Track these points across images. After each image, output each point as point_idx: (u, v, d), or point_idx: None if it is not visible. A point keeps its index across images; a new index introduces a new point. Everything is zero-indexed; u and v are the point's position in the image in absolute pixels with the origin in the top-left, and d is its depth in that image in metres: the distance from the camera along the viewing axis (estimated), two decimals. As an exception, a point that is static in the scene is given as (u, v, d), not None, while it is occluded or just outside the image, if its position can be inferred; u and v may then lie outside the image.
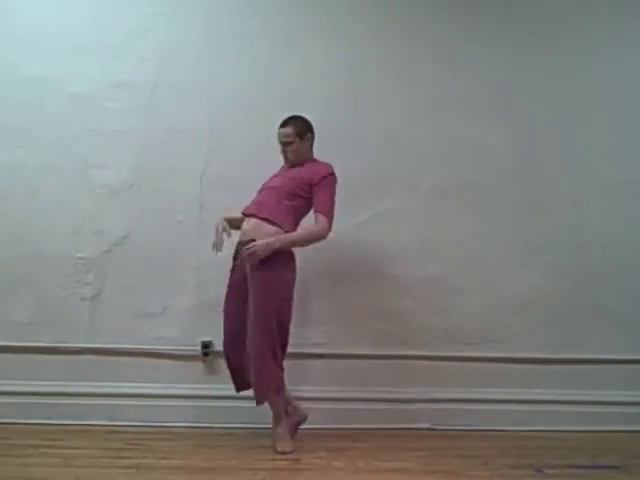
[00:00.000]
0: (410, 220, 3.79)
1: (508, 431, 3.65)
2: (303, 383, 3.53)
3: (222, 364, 3.54)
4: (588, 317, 3.83)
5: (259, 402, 3.16)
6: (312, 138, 3.38)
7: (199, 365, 3.60)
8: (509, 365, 3.76)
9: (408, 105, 3.83)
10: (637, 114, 3.95)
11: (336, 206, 3.23)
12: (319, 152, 3.71)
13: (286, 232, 3.18)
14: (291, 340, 3.49)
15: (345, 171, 3.75)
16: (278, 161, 3.70)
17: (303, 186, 3.25)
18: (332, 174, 3.27)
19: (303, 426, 3.36)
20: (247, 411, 3.49)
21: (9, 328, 3.57)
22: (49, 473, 2.76)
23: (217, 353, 3.56)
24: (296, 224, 3.27)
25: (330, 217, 3.20)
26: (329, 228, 3.20)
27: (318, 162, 3.36)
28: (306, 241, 3.22)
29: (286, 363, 3.44)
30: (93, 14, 3.73)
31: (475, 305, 3.79)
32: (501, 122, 3.86)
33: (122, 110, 3.70)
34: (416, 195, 3.81)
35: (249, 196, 3.67)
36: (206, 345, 3.57)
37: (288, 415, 3.30)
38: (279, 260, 3.14)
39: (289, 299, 3.20)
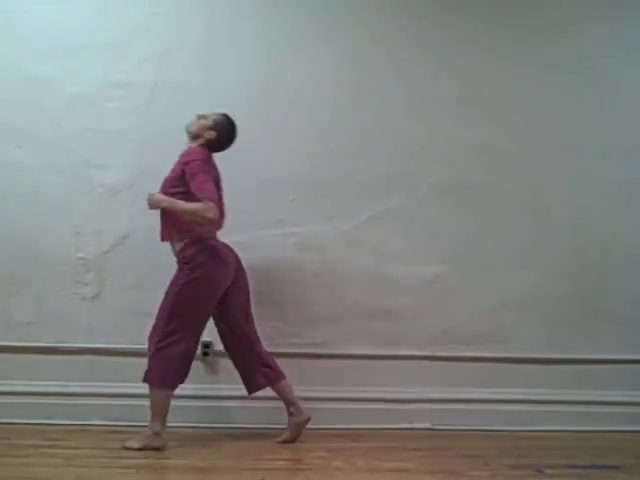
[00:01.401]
0: (410, 220, 3.79)
1: (508, 431, 3.65)
2: (303, 383, 3.53)
3: (222, 364, 3.57)
4: (588, 317, 3.83)
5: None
6: (216, 140, 3.31)
7: (199, 365, 3.60)
8: (509, 365, 3.76)
9: (408, 105, 3.82)
10: (637, 114, 3.95)
11: (210, 181, 3.14)
12: (321, 152, 3.73)
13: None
14: (291, 340, 3.51)
15: (345, 171, 3.77)
16: (278, 161, 3.72)
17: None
18: (198, 159, 3.19)
19: (303, 426, 3.37)
20: (247, 411, 3.51)
21: (9, 328, 3.57)
22: (49, 473, 2.76)
23: (217, 353, 3.57)
24: None
25: (206, 195, 3.10)
26: (210, 207, 3.07)
27: (200, 149, 3.28)
28: (192, 213, 3.12)
29: (286, 363, 3.46)
30: (93, 14, 3.72)
31: (475, 305, 3.79)
32: (501, 122, 3.86)
33: (122, 110, 3.70)
34: (416, 195, 3.81)
35: (249, 196, 3.68)
36: (206, 345, 3.56)
37: (292, 416, 3.31)
38: (199, 263, 3.17)
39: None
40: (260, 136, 3.69)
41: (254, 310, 3.44)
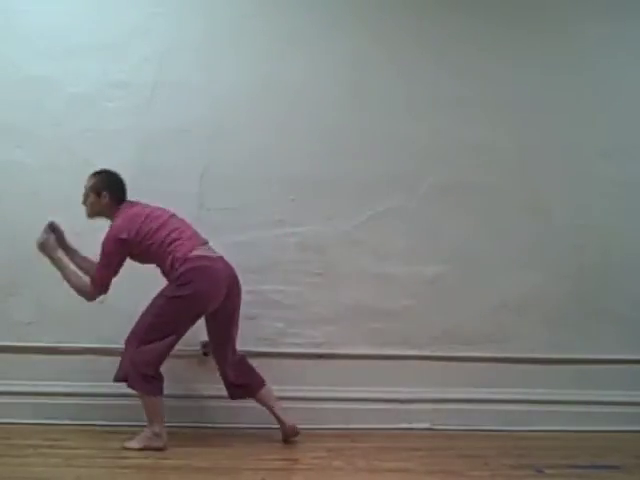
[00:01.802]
0: (410, 220, 3.79)
1: (508, 431, 3.65)
2: (303, 383, 3.53)
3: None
4: (588, 317, 3.83)
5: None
6: (111, 196, 3.28)
7: (199, 365, 3.60)
8: (509, 365, 3.76)
9: (408, 105, 3.82)
10: (637, 114, 3.95)
11: (110, 268, 3.20)
12: (321, 152, 3.72)
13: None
14: (291, 340, 3.50)
15: (345, 171, 3.77)
16: (278, 161, 3.72)
17: None
18: (109, 239, 3.19)
19: (303, 426, 3.37)
20: (247, 411, 3.50)
21: (9, 328, 3.57)
22: (49, 473, 2.76)
23: (217, 353, 3.57)
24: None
25: (97, 281, 3.20)
26: (92, 293, 3.22)
27: (116, 220, 3.25)
28: (74, 287, 3.23)
29: (286, 363, 3.47)
30: (93, 14, 3.72)
31: (475, 305, 3.79)
32: (501, 122, 3.86)
33: (122, 110, 3.69)
34: (416, 195, 3.81)
35: (249, 196, 3.68)
36: (205, 345, 3.56)
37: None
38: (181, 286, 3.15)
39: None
40: (260, 136, 3.69)
41: (254, 311, 3.45)
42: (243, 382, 3.34)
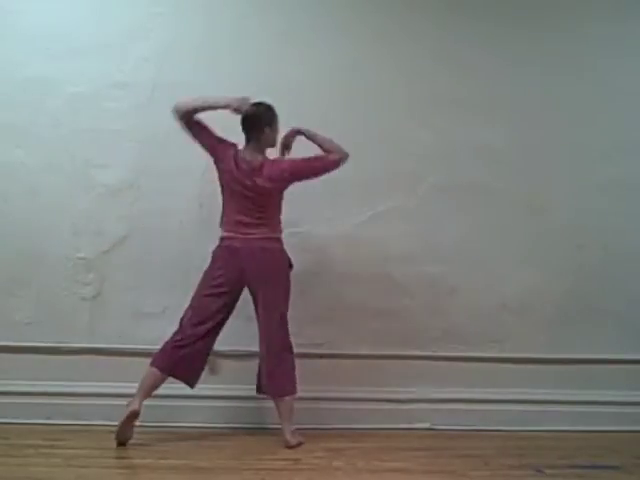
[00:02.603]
0: (410, 220, 3.79)
1: (508, 431, 3.65)
2: (303, 383, 3.52)
3: (222, 364, 3.57)
4: (588, 317, 3.83)
5: None
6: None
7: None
8: (509, 365, 3.76)
9: (408, 105, 3.83)
10: (637, 113, 3.95)
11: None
12: (321, 152, 3.72)
13: None
14: (291, 340, 3.49)
15: (345, 171, 3.75)
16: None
17: None
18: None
19: (303, 426, 3.36)
20: (247, 411, 3.50)
21: (9, 328, 3.57)
22: (49, 473, 2.76)
23: (217, 353, 3.56)
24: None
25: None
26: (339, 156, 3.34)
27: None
28: (329, 145, 3.38)
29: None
30: (93, 14, 3.72)
31: (475, 305, 3.79)
32: (501, 122, 3.86)
33: (122, 110, 3.69)
34: (416, 195, 3.81)
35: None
36: (206, 345, 3.56)
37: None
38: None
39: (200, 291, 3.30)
40: (260, 136, 3.68)
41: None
42: (258, 380, 3.35)
